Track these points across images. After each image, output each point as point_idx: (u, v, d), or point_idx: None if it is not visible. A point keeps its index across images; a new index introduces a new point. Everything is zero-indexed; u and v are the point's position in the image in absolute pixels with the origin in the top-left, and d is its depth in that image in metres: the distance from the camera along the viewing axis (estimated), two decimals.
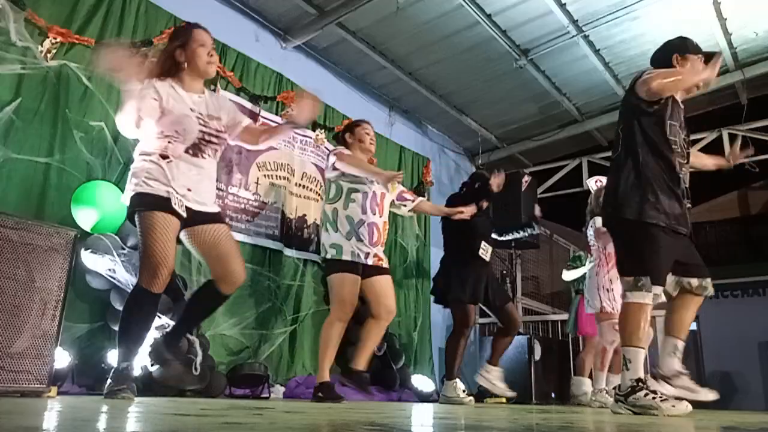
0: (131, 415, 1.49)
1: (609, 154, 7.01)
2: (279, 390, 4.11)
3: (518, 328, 4.35)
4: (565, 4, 4.79)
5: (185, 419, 1.39)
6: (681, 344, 2.67)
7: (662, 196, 2.55)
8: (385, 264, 3.37)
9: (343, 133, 3.62)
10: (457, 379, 4.06)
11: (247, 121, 2.84)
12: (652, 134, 2.63)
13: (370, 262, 3.27)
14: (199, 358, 3.30)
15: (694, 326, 5.33)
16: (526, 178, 5.32)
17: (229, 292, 2.62)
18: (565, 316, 6.68)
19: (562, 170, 7.40)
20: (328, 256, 3.26)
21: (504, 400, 4.43)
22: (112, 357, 3.10)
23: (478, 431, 1.40)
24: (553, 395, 5.53)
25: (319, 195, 5.06)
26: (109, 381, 2.38)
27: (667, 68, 2.76)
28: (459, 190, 4.66)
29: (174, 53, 2.58)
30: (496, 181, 4.08)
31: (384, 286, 3.34)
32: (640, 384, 2.40)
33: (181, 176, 2.47)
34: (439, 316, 6.40)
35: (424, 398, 5.05)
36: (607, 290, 4.12)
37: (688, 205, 2.64)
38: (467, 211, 3.84)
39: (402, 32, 5.09)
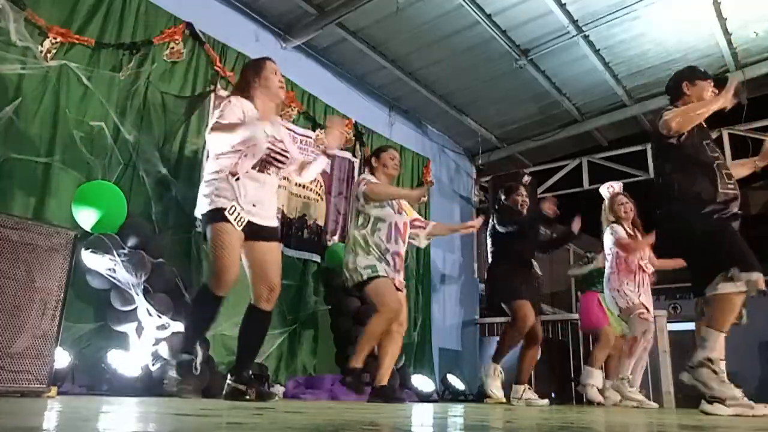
0: (131, 415, 1.49)
1: (609, 154, 7.05)
2: (279, 390, 4.11)
3: (539, 342, 4.45)
4: (565, 4, 4.78)
5: (185, 419, 1.39)
6: (723, 364, 2.81)
7: (710, 203, 2.74)
8: (403, 289, 3.64)
9: (370, 157, 3.93)
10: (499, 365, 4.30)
11: (300, 157, 3.18)
12: (688, 161, 2.83)
13: (397, 286, 3.53)
14: (199, 358, 3.31)
15: (693, 326, 5.33)
16: (526, 178, 5.33)
17: (271, 308, 2.89)
18: (565, 316, 6.70)
19: (562, 170, 7.39)
20: (364, 277, 3.42)
21: (504, 400, 4.43)
22: (112, 357, 3.11)
23: (478, 431, 1.40)
24: (553, 395, 5.53)
25: (319, 195, 5.06)
26: (172, 371, 2.75)
27: (678, 97, 3.01)
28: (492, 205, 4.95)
29: (250, 80, 2.92)
30: (549, 207, 4.35)
31: (401, 301, 3.57)
32: (708, 362, 2.63)
33: (248, 194, 2.74)
34: (439, 316, 6.40)
35: (424, 398, 5.04)
36: (617, 290, 4.34)
37: (736, 209, 2.82)
38: (476, 224, 4.13)
39: (402, 32, 5.08)
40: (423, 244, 4.03)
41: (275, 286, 2.87)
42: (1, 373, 2.17)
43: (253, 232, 2.78)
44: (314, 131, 5.09)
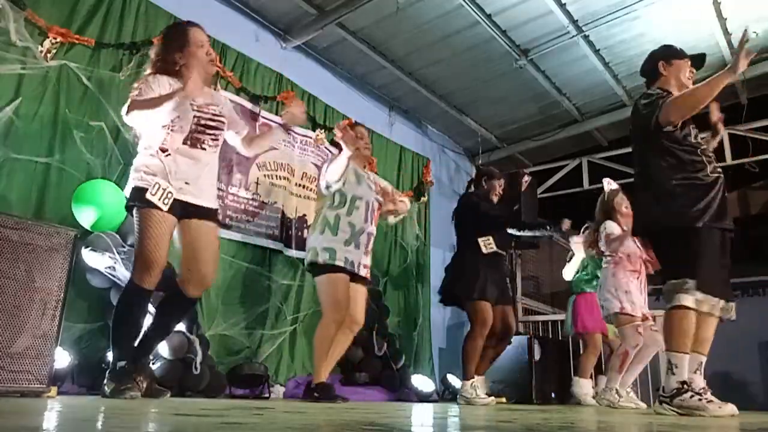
0: (131, 415, 1.49)
1: (609, 154, 7.06)
2: (279, 390, 4.11)
3: (512, 335, 4.28)
4: (565, 4, 4.78)
5: (185, 419, 1.39)
6: (704, 359, 2.71)
7: (700, 199, 2.57)
8: (368, 276, 3.43)
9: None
10: (475, 378, 4.00)
11: (247, 127, 2.94)
12: (677, 148, 2.68)
13: (362, 273, 3.34)
14: (199, 358, 3.31)
15: None
16: (526, 178, 5.31)
17: (196, 295, 2.66)
18: (564, 316, 6.70)
19: (562, 170, 7.40)
20: (320, 260, 3.23)
21: (504, 399, 4.43)
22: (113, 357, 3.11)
23: (477, 431, 1.40)
24: (553, 395, 5.53)
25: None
26: (108, 381, 2.42)
27: (655, 79, 2.86)
28: (466, 189, 4.72)
29: (173, 56, 2.64)
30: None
31: (360, 296, 3.40)
32: (685, 386, 2.46)
33: (180, 170, 2.54)
34: (439, 316, 6.40)
35: (424, 398, 5.04)
36: (626, 292, 4.02)
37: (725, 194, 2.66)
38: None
39: (402, 32, 5.08)
40: (391, 221, 3.84)
41: (206, 274, 2.61)
42: (1, 373, 2.17)
43: (185, 210, 2.56)
44: (314, 131, 5.09)
